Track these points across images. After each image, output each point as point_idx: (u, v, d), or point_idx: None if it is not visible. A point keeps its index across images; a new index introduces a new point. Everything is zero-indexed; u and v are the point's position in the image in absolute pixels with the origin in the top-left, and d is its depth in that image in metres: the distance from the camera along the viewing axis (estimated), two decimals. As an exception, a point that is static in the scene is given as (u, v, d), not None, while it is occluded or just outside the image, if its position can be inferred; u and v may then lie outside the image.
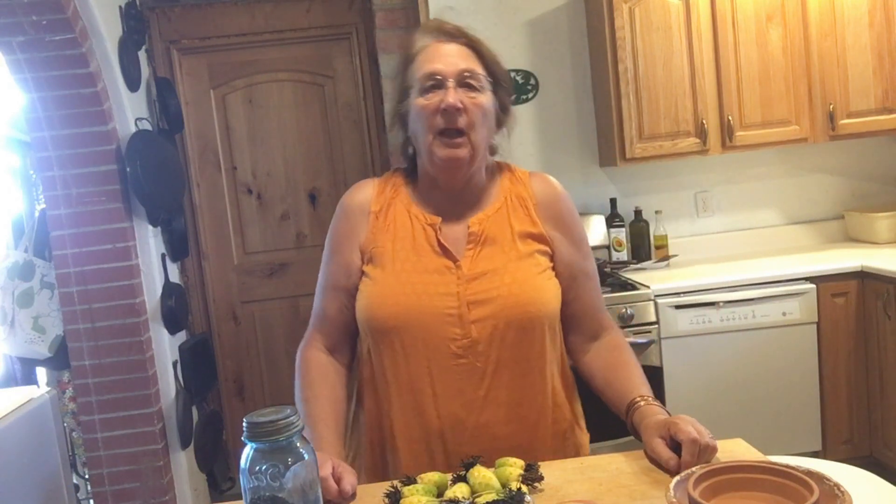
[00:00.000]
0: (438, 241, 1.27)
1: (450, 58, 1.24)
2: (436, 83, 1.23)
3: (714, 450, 1.08)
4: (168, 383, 3.04)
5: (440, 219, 1.29)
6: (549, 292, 1.27)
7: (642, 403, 1.21)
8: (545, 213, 1.32)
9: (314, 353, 1.33)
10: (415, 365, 1.23)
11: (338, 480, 1.07)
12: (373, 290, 1.26)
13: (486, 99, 1.25)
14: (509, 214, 1.30)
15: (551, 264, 1.30)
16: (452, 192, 1.30)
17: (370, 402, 1.31)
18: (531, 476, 1.09)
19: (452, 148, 1.22)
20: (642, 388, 1.25)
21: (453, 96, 1.20)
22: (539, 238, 1.30)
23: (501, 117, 1.32)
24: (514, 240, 1.28)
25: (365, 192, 1.35)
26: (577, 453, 1.34)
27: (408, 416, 1.25)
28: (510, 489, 0.99)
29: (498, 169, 1.37)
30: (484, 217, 1.29)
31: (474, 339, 1.22)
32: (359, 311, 1.28)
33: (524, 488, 1.01)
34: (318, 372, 1.31)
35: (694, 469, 0.96)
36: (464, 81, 1.23)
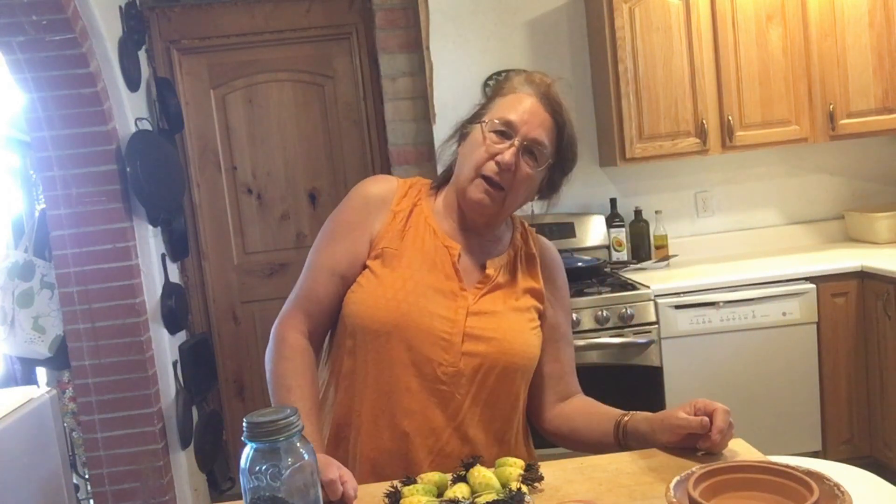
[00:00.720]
0: (454, 264, 1.28)
1: (532, 119, 1.24)
2: (506, 132, 1.24)
3: (732, 430, 1.14)
4: (168, 383, 3.04)
5: (460, 246, 1.30)
6: (536, 348, 1.31)
7: (627, 418, 1.24)
8: (546, 275, 1.37)
9: (297, 336, 1.27)
10: (398, 376, 1.23)
11: (342, 484, 1.07)
12: (376, 288, 1.25)
13: (535, 172, 1.26)
14: (518, 267, 1.34)
15: (539, 322, 1.33)
16: (470, 226, 1.32)
17: (343, 395, 1.28)
18: (531, 476, 1.09)
19: (485, 195, 1.25)
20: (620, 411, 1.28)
21: (511, 156, 1.22)
22: (538, 295, 1.34)
23: (546, 192, 1.34)
24: (518, 291, 1.32)
25: (389, 187, 1.34)
26: None
27: (378, 423, 1.25)
28: (510, 489, 0.99)
29: (512, 220, 1.40)
30: (500, 263, 1.32)
31: (460, 370, 1.23)
32: (355, 304, 1.26)
33: (524, 488, 1.02)
34: (302, 360, 1.25)
35: (694, 469, 0.96)
36: (528, 147, 1.24)
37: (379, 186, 1.34)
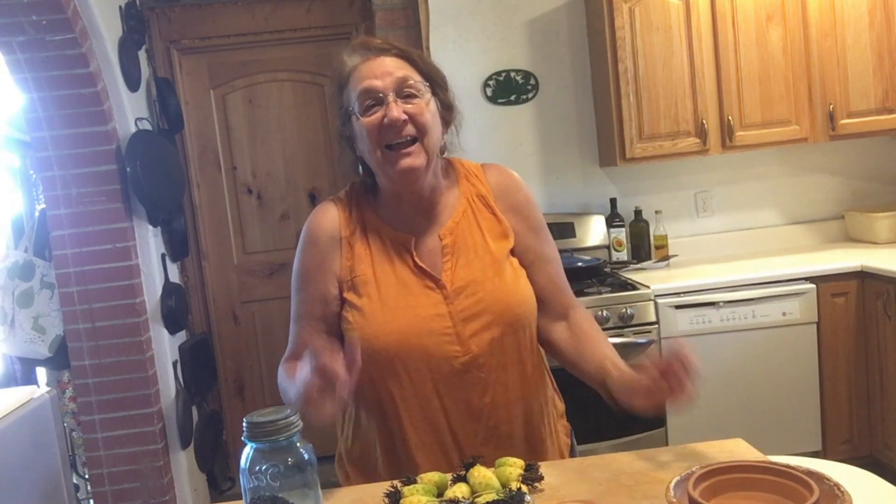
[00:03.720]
0: (415, 262, 1.26)
1: (381, 71, 1.22)
2: (375, 100, 1.21)
3: (695, 367, 1.09)
4: (168, 383, 3.04)
5: (413, 237, 1.27)
6: (528, 289, 1.29)
7: (616, 373, 1.21)
8: (503, 205, 1.32)
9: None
10: (420, 386, 1.23)
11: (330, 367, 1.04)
12: (364, 321, 1.23)
13: (428, 103, 1.23)
14: (476, 216, 1.31)
15: (518, 262, 1.31)
16: (419, 204, 1.29)
17: (379, 419, 1.28)
18: (531, 476, 1.09)
19: (405, 158, 1.21)
20: (614, 357, 1.25)
21: (395, 110, 1.19)
22: (504, 234, 1.30)
23: (447, 116, 1.30)
24: (486, 243, 1.29)
25: (330, 217, 1.32)
26: (566, 438, 1.39)
27: (420, 431, 1.25)
28: (510, 489, 0.99)
29: (451, 168, 1.36)
30: (453, 226, 1.29)
31: (475, 354, 1.23)
32: (348, 342, 1.23)
33: (524, 488, 1.02)
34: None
35: (694, 469, 0.96)
36: (402, 92, 1.21)
37: (321, 222, 1.32)
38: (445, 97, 1.29)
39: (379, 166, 1.24)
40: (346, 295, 1.27)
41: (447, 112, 1.30)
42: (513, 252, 1.31)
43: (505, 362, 1.25)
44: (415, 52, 1.28)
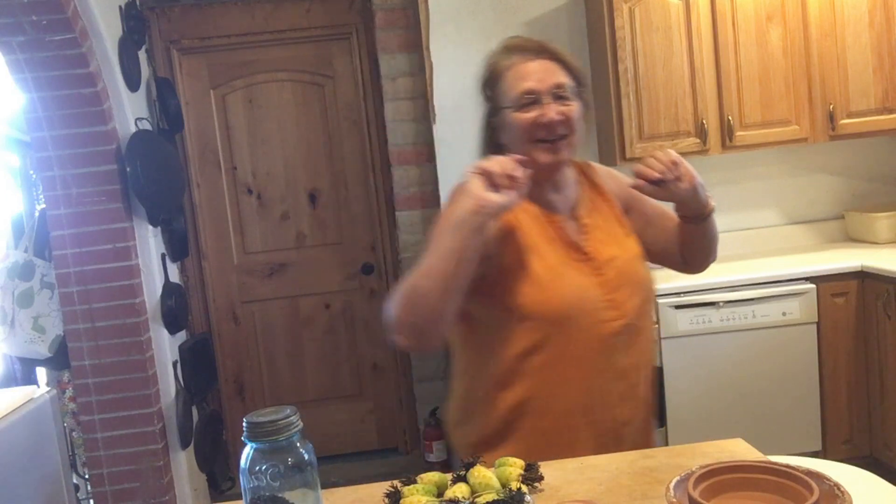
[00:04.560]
0: (565, 235, 1.37)
1: (542, 73, 1.34)
2: (532, 100, 1.33)
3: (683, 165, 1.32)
4: (168, 383, 3.04)
5: (561, 216, 1.39)
6: (645, 265, 1.45)
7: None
8: (616, 193, 1.48)
9: None
10: (581, 348, 1.31)
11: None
12: (533, 287, 1.31)
13: (577, 105, 1.36)
14: (596, 199, 1.46)
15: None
16: (554, 189, 1.40)
17: (537, 388, 1.33)
18: (531, 476, 1.09)
19: (554, 153, 1.34)
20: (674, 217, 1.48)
21: (553, 112, 1.32)
22: (620, 214, 1.47)
23: (585, 115, 1.42)
24: (615, 223, 1.44)
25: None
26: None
27: (571, 391, 1.32)
28: (510, 489, 0.99)
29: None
30: (591, 207, 1.43)
31: (628, 319, 1.34)
32: (525, 296, 1.31)
33: (524, 488, 1.02)
34: None
35: (694, 469, 0.96)
36: (557, 94, 1.34)
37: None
38: (587, 98, 1.42)
39: (528, 156, 1.31)
40: (503, 261, 1.32)
41: (586, 111, 1.42)
42: (642, 222, 1.49)
43: (642, 327, 1.39)
44: (566, 55, 1.40)
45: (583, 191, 1.45)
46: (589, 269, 1.35)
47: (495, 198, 1.16)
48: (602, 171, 1.53)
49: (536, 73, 1.34)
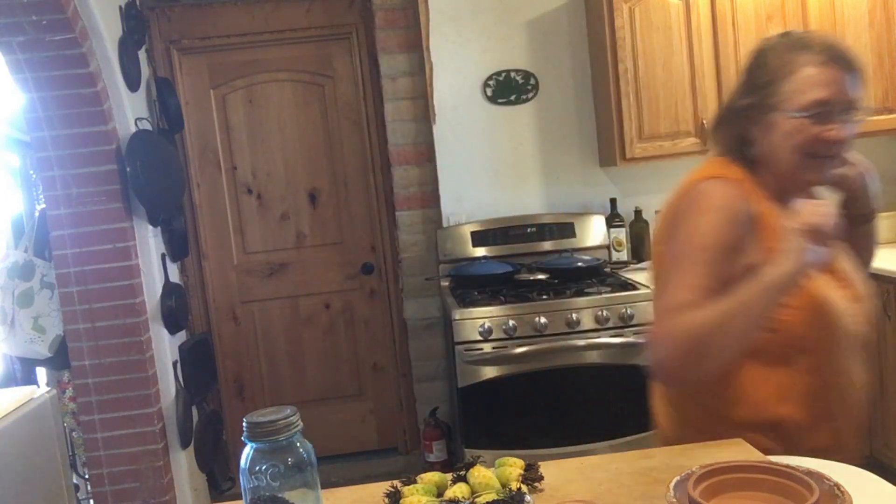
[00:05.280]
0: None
1: (839, 87, 1.24)
2: (821, 111, 1.23)
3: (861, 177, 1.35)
4: (168, 383, 3.04)
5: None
6: None
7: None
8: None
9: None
10: (839, 357, 1.30)
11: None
12: (803, 298, 1.23)
13: (855, 123, 1.27)
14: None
15: None
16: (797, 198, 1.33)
17: (802, 411, 1.28)
18: (531, 476, 1.09)
19: (822, 172, 1.28)
20: None
21: (840, 132, 1.24)
22: None
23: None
24: None
25: (738, 193, 1.29)
26: None
27: (818, 399, 1.28)
28: (510, 489, 0.99)
29: None
30: None
31: (867, 331, 1.35)
32: (790, 318, 1.24)
33: (524, 488, 1.02)
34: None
35: (694, 469, 0.96)
36: (845, 112, 1.25)
37: (737, 197, 1.28)
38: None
39: (792, 168, 1.28)
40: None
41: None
42: None
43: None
44: (861, 66, 1.28)
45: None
46: (833, 281, 1.31)
47: (816, 259, 1.14)
48: None
49: (835, 84, 1.23)
